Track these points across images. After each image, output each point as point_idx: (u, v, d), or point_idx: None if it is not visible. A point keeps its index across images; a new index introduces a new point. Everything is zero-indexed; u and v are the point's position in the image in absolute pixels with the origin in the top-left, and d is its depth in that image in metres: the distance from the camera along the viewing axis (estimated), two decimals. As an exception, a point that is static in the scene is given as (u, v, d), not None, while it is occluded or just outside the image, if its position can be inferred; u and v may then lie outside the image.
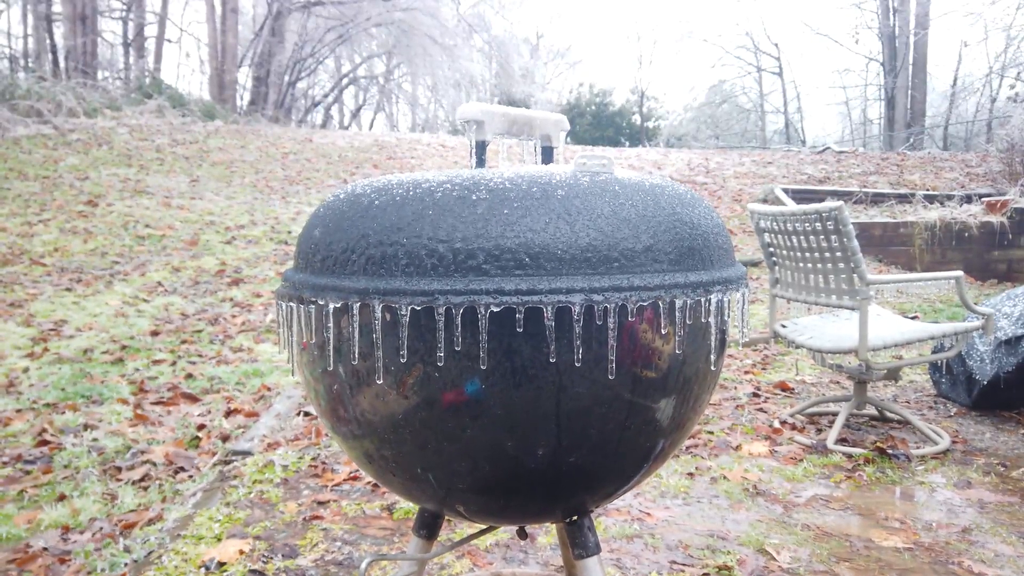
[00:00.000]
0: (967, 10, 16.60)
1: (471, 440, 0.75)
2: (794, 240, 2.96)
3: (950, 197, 9.13)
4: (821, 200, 9.33)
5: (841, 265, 2.78)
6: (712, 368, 0.83)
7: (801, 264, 2.99)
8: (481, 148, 0.89)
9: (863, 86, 23.60)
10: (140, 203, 7.28)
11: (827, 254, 2.82)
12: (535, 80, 28.92)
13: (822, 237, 2.80)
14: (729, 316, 0.81)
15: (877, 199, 9.37)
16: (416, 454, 0.79)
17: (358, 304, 0.72)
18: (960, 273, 2.87)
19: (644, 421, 0.79)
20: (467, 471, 0.78)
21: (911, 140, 16.36)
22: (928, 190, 9.68)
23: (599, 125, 26.25)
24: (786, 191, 9.35)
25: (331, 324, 0.75)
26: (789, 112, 23.87)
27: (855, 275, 2.73)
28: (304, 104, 23.52)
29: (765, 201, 9.41)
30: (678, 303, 0.72)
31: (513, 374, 0.71)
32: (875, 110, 24.43)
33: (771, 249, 3.17)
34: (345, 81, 24.69)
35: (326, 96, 24.70)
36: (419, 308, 0.70)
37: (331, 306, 0.74)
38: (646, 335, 0.74)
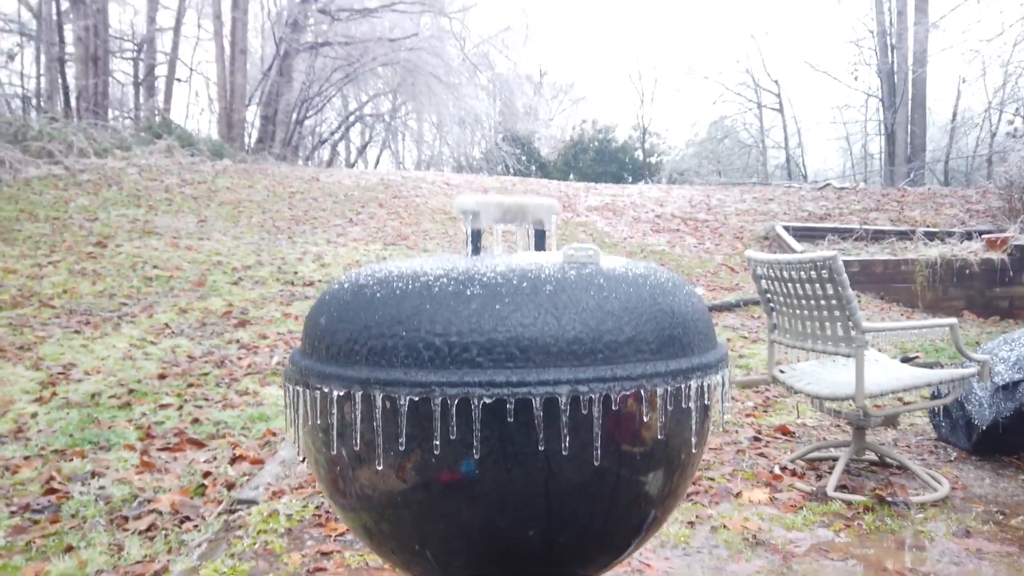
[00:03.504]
0: (965, 47, 16.84)
1: (466, 520, 0.79)
2: (790, 287, 3.01)
3: (950, 234, 9.18)
4: (822, 237, 9.40)
5: (837, 313, 2.83)
6: (694, 450, 0.88)
7: (798, 311, 3.04)
8: (476, 236, 0.95)
9: (863, 121, 23.83)
10: (149, 244, 7.38)
11: (823, 302, 2.87)
12: (539, 117, 29.25)
13: (817, 285, 2.85)
14: (711, 399, 0.86)
15: (878, 236, 9.44)
16: (413, 531, 0.83)
17: (360, 393, 0.77)
18: (954, 320, 2.91)
19: (632, 499, 0.84)
20: (463, 549, 0.82)
21: (911, 175, 16.48)
22: (929, 226, 9.75)
23: (602, 161, 26.47)
24: (787, 228, 9.43)
25: (335, 410, 0.80)
26: (790, 147, 24.09)
27: (850, 323, 2.78)
28: (311, 141, 23.82)
29: (767, 239, 9.49)
30: (659, 391, 0.78)
31: (505, 460, 0.76)
32: (875, 144, 24.65)
33: (768, 295, 3.23)
34: (352, 119, 25.02)
35: (333, 134, 25.01)
36: (417, 398, 0.75)
37: (335, 393, 0.79)
38: (630, 421, 0.79)
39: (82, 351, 4.82)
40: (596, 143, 27.03)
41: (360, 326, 0.81)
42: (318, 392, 0.83)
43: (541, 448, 0.77)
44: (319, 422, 0.85)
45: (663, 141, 27.87)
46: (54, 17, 16.36)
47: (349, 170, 14.85)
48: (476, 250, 0.96)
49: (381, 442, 0.79)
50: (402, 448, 0.79)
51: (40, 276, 6.22)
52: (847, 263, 8.35)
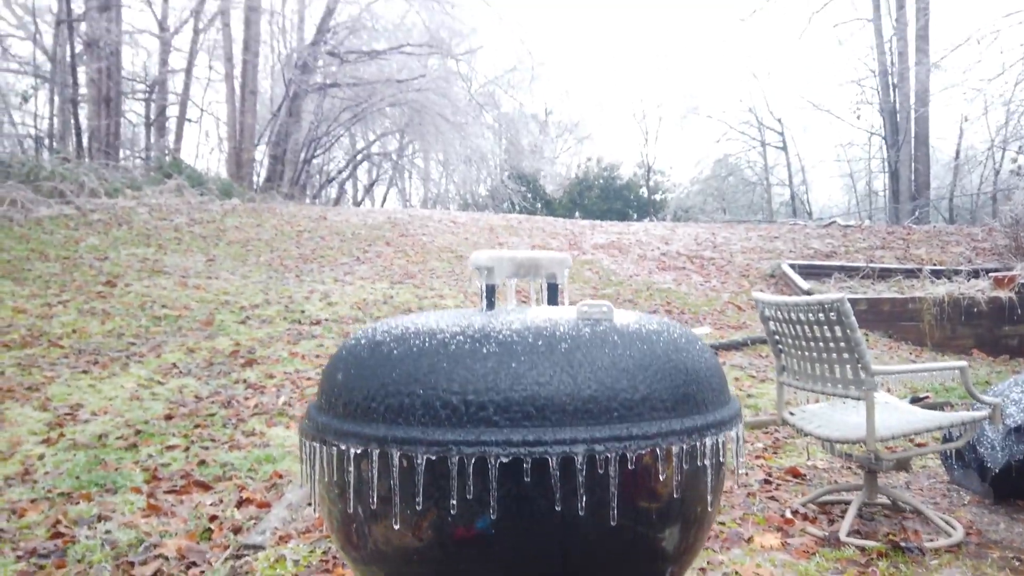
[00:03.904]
0: (967, 86, 17.02)
1: (482, 577, 0.79)
2: (798, 329, 3.01)
3: (957, 272, 9.18)
4: (829, 275, 9.41)
5: (845, 355, 2.82)
6: (710, 508, 0.88)
7: (806, 353, 3.04)
8: (491, 291, 0.96)
9: (867, 159, 23.98)
10: (157, 283, 7.43)
11: (831, 344, 2.87)
12: (544, 155, 29.51)
13: (826, 327, 2.85)
14: (725, 456, 0.86)
15: (884, 274, 9.44)
16: (429, 588, 0.83)
17: (377, 451, 0.78)
18: (964, 364, 2.90)
19: (649, 556, 0.83)
20: (478, 607, 0.82)
21: (916, 213, 16.53)
22: (935, 265, 9.75)
23: (607, 198, 26.65)
24: (793, 266, 9.44)
25: (352, 467, 0.80)
26: (795, 184, 24.22)
27: (860, 365, 2.77)
28: (319, 180, 24.06)
29: (773, 277, 9.50)
30: (675, 449, 0.78)
31: (521, 519, 0.76)
32: (879, 182, 24.77)
33: (776, 337, 3.22)
34: (359, 158, 25.30)
35: (340, 172, 25.27)
36: (434, 457, 0.76)
37: (352, 451, 0.80)
38: (646, 479, 0.79)
39: (90, 391, 4.83)
40: (601, 181, 27.25)
41: (377, 383, 0.82)
42: (335, 449, 0.83)
43: (558, 508, 0.77)
44: (335, 479, 0.86)
45: (667, 179, 28.08)
46: (68, 60, 16.68)
47: (356, 208, 14.98)
48: (491, 305, 0.97)
49: (398, 500, 0.80)
50: (419, 507, 0.79)
51: (50, 315, 6.26)
52: (854, 301, 8.34)
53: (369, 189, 28.39)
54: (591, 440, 0.76)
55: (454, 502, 0.77)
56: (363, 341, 0.91)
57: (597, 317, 0.87)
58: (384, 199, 28.87)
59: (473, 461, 0.76)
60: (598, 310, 0.86)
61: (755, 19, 20.39)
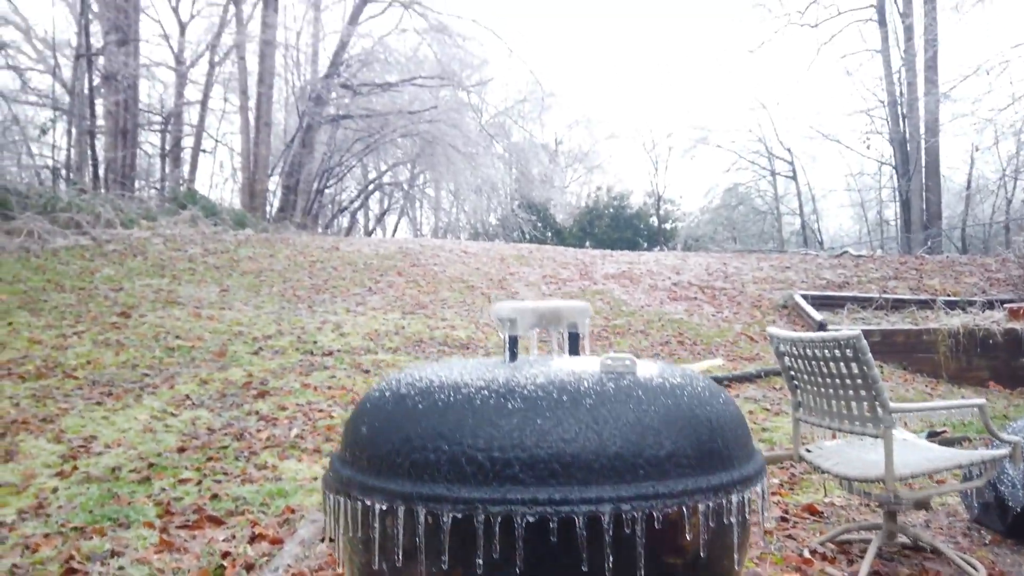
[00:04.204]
0: (978, 116, 17.05)
1: (507, 637, 0.79)
2: (814, 366, 2.99)
3: (971, 303, 9.12)
4: (841, 306, 9.36)
5: (862, 392, 2.80)
6: (736, 567, 0.87)
7: (822, 389, 3.01)
8: (514, 343, 0.97)
9: (877, 188, 23.98)
10: (171, 314, 7.47)
11: (848, 381, 2.84)
12: (554, 184, 29.67)
13: (842, 364, 2.83)
14: (751, 513, 0.86)
15: (898, 305, 9.38)
16: (453, 646, 0.83)
17: (403, 508, 0.78)
18: (982, 401, 2.87)
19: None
20: (503, 666, 0.81)
21: (929, 243, 16.47)
22: (949, 295, 9.69)
23: (617, 227, 26.71)
24: (806, 297, 9.41)
25: (376, 523, 0.80)
26: (805, 214, 24.21)
27: (877, 403, 2.75)
28: (331, 210, 24.25)
29: (785, 307, 9.46)
30: (701, 507, 0.78)
31: (547, 578, 0.76)
32: (891, 211, 24.74)
33: (792, 373, 3.20)
34: (371, 187, 25.50)
35: (352, 202, 25.47)
36: (460, 515, 0.75)
37: (377, 507, 0.80)
38: (673, 537, 0.79)
39: (103, 423, 4.84)
40: (611, 210, 27.34)
41: (402, 438, 0.82)
42: (360, 504, 0.83)
43: (584, 568, 0.77)
44: (360, 534, 0.86)
45: (678, 208, 28.14)
46: (86, 92, 16.98)
47: (368, 239, 15.08)
48: (514, 356, 0.97)
49: (423, 558, 0.79)
50: (445, 565, 0.79)
51: (65, 347, 6.30)
52: (868, 332, 8.28)
53: (381, 218, 28.58)
54: (617, 499, 0.76)
55: (480, 561, 0.77)
56: (387, 393, 0.91)
57: (620, 371, 0.87)
58: (395, 228, 29.05)
59: (499, 520, 0.76)
60: (621, 363, 0.87)
61: (763, 50, 20.54)
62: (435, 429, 0.81)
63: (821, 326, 8.45)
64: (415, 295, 9.13)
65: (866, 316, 9.03)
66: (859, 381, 2.79)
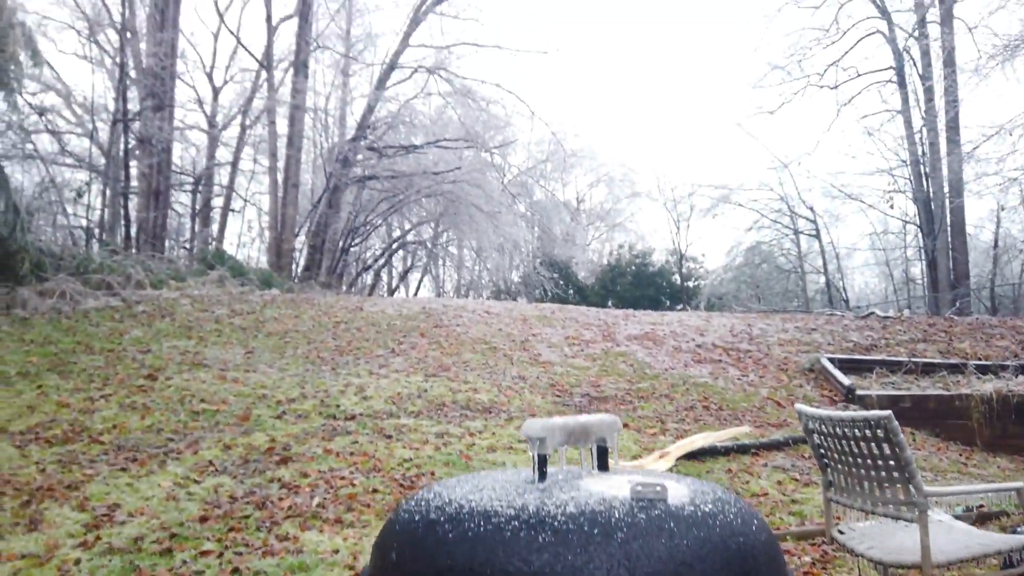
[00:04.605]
0: (1003, 175, 16.99)
1: None
2: (844, 445, 2.94)
3: (1004, 367, 8.94)
4: (869, 370, 9.22)
5: (895, 474, 2.74)
6: None
7: (854, 469, 2.96)
8: (543, 462, 0.97)
9: (902, 248, 23.82)
10: (197, 376, 7.54)
11: (879, 462, 2.79)
12: (576, 242, 29.87)
13: (873, 444, 2.78)
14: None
15: (928, 369, 9.22)
16: None
17: (434, 646, 0.77)
18: (1021, 484, 2.80)
19: None
20: None
21: (957, 303, 16.25)
22: (980, 359, 9.51)
23: (640, 285, 26.70)
24: (833, 360, 9.28)
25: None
26: (829, 272, 24.04)
27: (911, 486, 2.69)
28: (356, 268, 24.55)
29: (812, 371, 9.33)
30: (736, 648, 0.76)
31: None
32: (917, 269, 24.50)
33: (822, 451, 3.15)
34: (395, 246, 25.83)
35: (376, 260, 25.77)
36: (491, 657, 0.75)
37: (408, 642, 0.79)
38: None
39: (127, 490, 4.85)
40: (633, 267, 27.38)
41: (433, 570, 0.82)
42: (390, 636, 0.83)
43: None
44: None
45: (700, 266, 28.11)
46: (121, 155, 17.52)
47: (392, 299, 15.20)
48: (543, 476, 0.97)
49: None
50: None
51: (92, 410, 6.36)
52: (898, 398, 8.14)
53: (404, 276, 28.85)
54: (650, 640, 0.75)
55: None
56: (416, 518, 0.91)
57: (651, 497, 0.87)
58: (419, 286, 29.28)
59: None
60: (652, 489, 0.86)
61: (783, 111, 20.73)
62: (465, 561, 0.81)
63: (849, 391, 8.32)
64: (438, 356, 9.14)
65: (895, 381, 8.87)
66: (891, 462, 2.73)
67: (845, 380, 8.47)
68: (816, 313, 15.41)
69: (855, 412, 2.77)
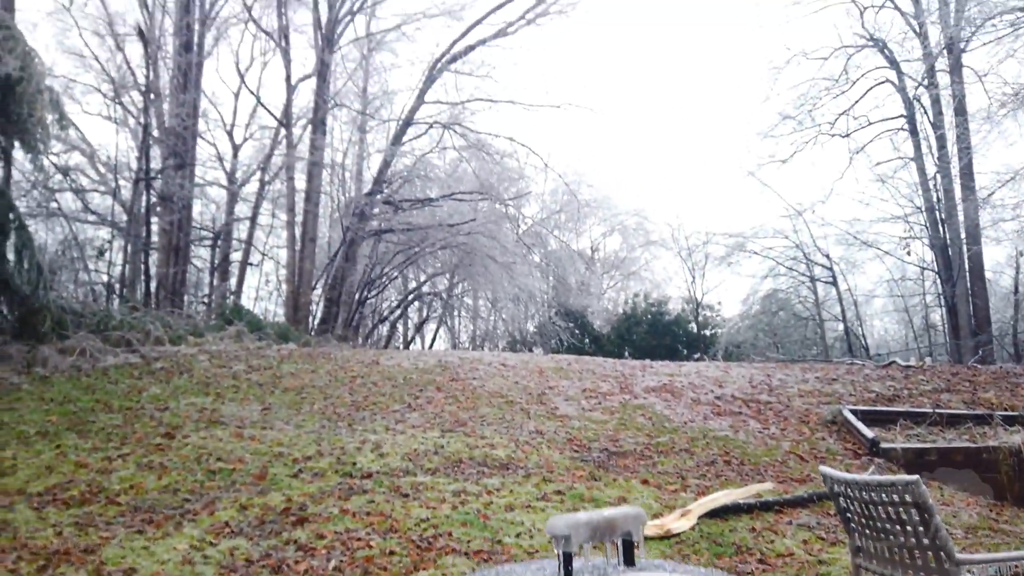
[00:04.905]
0: (1020, 221, 16.92)
1: None
2: (871, 510, 2.87)
3: (1031, 418, 8.75)
4: (893, 421, 9.06)
5: (925, 541, 2.67)
6: None
7: (882, 535, 2.88)
8: (568, 560, 0.96)
9: (921, 293, 23.61)
10: (214, 434, 7.53)
11: (908, 528, 2.72)
12: (591, 291, 29.88)
13: (901, 510, 2.72)
14: None
15: (953, 420, 9.05)
16: None
17: None
18: (1057, 550, 2.71)
19: None
20: None
21: (980, 351, 16.02)
22: (1006, 409, 9.33)
23: (656, 334, 26.55)
24: (855, 412, 9.13)
25: None
26: (848, 319, 23.83)
27: (942, 553, 2.62)
28: (372, 320, 24.63)
29: (834, 423, 9.18)
30: None
31: None
32: (937, 315, 24.24)
33: (848, 515, 3.08)
34: (410, 297, 25.94)
35: (392, 312, 25.87)
36: None
37: None
38: None
39: (143, 554, 4.81)
40: (649, 316, 27.27)
41: None
42: None
43: None
44: None
45: (716, 314, 27.96)
46: (143, 212, 17.85)
47: (408, 352, 15.20)
48: (568, 574, 0.96)
49: None
50: None
51: (109, 470, 6.36)
52: (924, 451, 7.98)
53: (420, 327, 28.89)
54: None
55: None
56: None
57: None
58: (434, 337, 29.27)
59: None
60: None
61: (795, 160, 20.84)
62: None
63: (873, 444, 8.16)
64: (454, 411, 9.09)
65: (920, 432, 8.71)
66: (921, 529, 2.67)
67: (869, 433, 8.32)
68: (836, 362, 15.23)
69: (881, 477, 2.72)
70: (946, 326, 20.29)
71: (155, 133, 17.91)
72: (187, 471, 6.46)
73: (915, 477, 2.64)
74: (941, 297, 20.29)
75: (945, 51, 18.06)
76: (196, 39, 17.92)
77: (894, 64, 19.91)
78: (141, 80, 19.36)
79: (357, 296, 20.63)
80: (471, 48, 20.01)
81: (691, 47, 49.16)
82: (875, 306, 26.69)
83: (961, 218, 18.12)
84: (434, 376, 10.91)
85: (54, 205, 18.26)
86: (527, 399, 9.87)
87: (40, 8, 29.41)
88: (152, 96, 18.08)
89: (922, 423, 8.94)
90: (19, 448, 6.91)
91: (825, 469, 3.14)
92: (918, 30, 18.85)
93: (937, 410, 9.22)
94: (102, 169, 20.12)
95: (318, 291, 20.59)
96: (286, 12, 19.20)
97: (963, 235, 18.33)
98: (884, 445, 8.09)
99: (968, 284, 18.27)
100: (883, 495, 2.76)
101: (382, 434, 7.96)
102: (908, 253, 20.66)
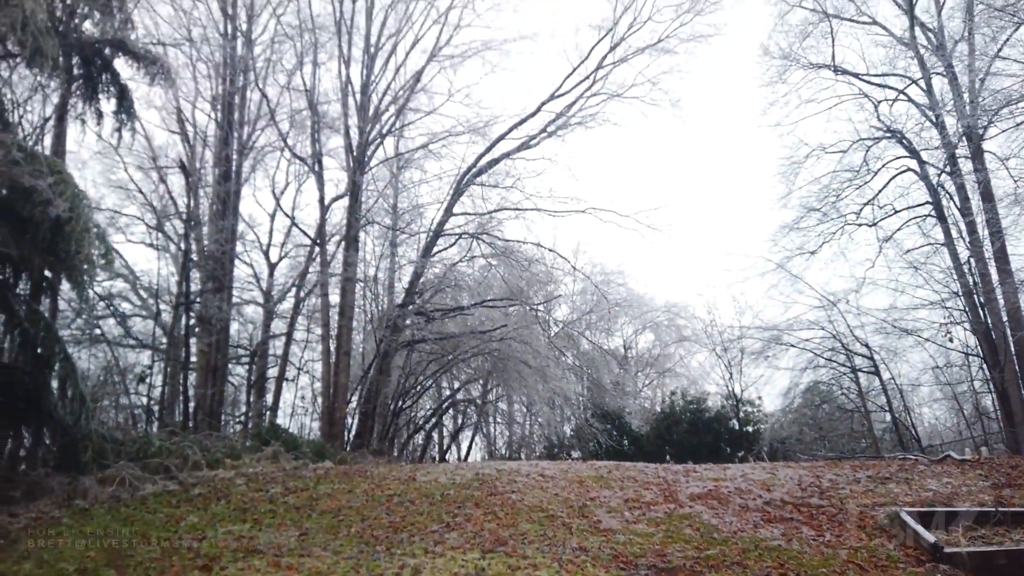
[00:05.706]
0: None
1: None
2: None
3: (1104, 514, 8.27)
4: (954, 523, 8.60)
5: None
6: None
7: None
8: None
9: (968, 380, 22.90)
10: (252, 564, 7.40)
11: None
12: (627, 391, 29.50)
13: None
14: None
15: (1018, 518, 8.59)
16: None
17: None
18: None
19: None
20: None
21: (1038, 440, 15.35)
22: (1075, 505, 8.84)
23: (696, 432, 25.93)
24: (912, 514, 8.72)
25: None
26: (895, 408, 23.09)
27: None
28: (407, 430, 24.47)
29: (891, 526, 8.75)
30: None
31: None
32: (987, 400, 23.39)
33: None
34: (445, 405, 25.81)
35: (427, 421, 25.70)
36: None
37: None
38: None
39: None
40: (688, 414, 26.69)
41: None
42: None
43: None
44: None
45: (758, 409, 27.28)
46: (182, 334, 18.27)
47: (444, 465, 14.99)
48: None
49: None
50: None
51: (147, 609, 6.24)
52: (991, 555, 7.54)
53: (455, 436, 28.60)
54: None
55: None
56: None
57: None
58: (470, 445, 28.89)
59: None
60: None
61: (824, 251, 20.82)
62: None
63: (936, 548, 7.75)
64: (494, 529, 8.85)
65: (985, 533, 8.26)
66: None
67: (930, 537, 7.92)
68: (888, 458, 14.67)
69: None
70: (999, 413, 19.55)
71: (194, 258, 18.56)
72: (225, 607, 6.32)
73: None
74: (990, 383, 19.65)
75: (964, 139, 18.24)
76: (234, 167, 18.82)
77: (914, 153, 20.11)
78: (182, 208, 20.26)
79: (392, 407, 20.59)
80: (495, 161, 20.70)
81: (710, 145, 50.31)
82: (922, 394, 25.86)
83: (1001, 302, 17.77)
84: (472, 491, 10.70)
85: (97, 331, 18.78)
86: (568, 512, 9.59)
87: (89, 145, 31.26)
88: (192, 223, 18.85)
89: (985, 523, 8.49)
90: (58, 588, 6.85)
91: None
92: (935, 120, 19.13)
93: (1000, 508, 8.77)
94: (143, 294, 20.78)
95: (353, 403, 20.60)
96: (319, 139, 20.16)
97: (1005, 318, 17.93)
98: (948, 550, 7.67)
99: (1016, 367, 17.71)
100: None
101: (421, 557, 7.76)
102: (951, 340, 20.20)
